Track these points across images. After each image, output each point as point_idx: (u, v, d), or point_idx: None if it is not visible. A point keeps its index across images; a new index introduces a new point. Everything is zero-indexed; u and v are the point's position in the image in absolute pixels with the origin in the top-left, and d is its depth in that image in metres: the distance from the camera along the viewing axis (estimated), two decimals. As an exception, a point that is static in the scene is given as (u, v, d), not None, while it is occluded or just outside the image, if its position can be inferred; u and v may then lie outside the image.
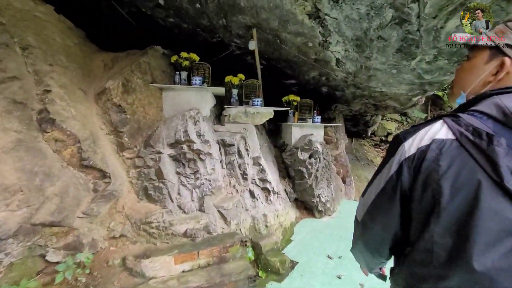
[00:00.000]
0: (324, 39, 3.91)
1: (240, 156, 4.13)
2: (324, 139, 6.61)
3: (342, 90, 6.46)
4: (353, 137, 11.68)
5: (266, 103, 5.22)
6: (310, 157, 4.94)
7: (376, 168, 0.83)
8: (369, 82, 5.09)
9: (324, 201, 5.04)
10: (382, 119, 12.69)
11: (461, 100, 0.76)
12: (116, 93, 3.28)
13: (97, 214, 2.78)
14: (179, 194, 3.37)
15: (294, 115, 5.37)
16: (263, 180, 4.24)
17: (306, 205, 5.21)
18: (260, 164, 4.24)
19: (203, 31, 4.82)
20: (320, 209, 5.00)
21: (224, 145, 4.20)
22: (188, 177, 3.56)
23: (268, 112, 4.40)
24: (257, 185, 4.16)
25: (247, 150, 4.27)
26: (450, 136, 0.62)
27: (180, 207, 3.25)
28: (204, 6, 4.04)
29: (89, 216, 2.70)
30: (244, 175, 4.08)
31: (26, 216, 2.22)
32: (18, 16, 2.91)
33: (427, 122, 0.70)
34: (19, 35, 2.82)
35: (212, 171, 3.72)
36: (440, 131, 0.64)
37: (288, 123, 5.19)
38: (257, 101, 4.32)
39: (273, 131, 6.30)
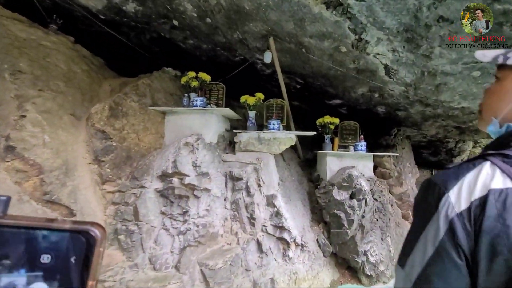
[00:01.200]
0: (357, 37, 2.87)
1: (249, 193, 3.23)
2: (380, 173, 5.11)
3: (404, 109, 5.01)
4: (433, 168, 9.31)
5: (307, 129, 4.25)
6: (351, 197, 3.64)
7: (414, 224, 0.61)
8: (439, 94, 3.63)
9: (374, 261, 3.57)
10: (474, 146, 9.87)
11: (493, 127, 0.66)
12: (100, 117, 2.92)
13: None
14: (156, 241, 2.65)
15: (332, 141, 4.22)
16: (279, 227, 3.18)
17: (349, 263, 3.81)
18: (275, 206, 3.23)
19: (222, 49, 4.35)
20: (369, 273, 3.54)
21: (232, 178, 3.39)
22: (174, 219, 2.84)
23: (288, 138, 3.44)
24: (269, 233, 3.14)
25: (259, 186, 3.34)
26: (510, 184, 0.51)
27: (150, 261, 2.51)
28: (213, 18, 3.55)
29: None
30: (252, 220, 3.13)
31: None
32: (16, 44, 2.90)
33: (468, 164, 0.57)
34: (10, 61, 2.77)
35: (206, 212, 2.91)
36: (494, 177, 0.53)
37: (322, 151, 4.07)
38: (274, 124, 3.43)
39: (312, 161, 5.19)
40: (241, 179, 3.31)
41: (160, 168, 2.99)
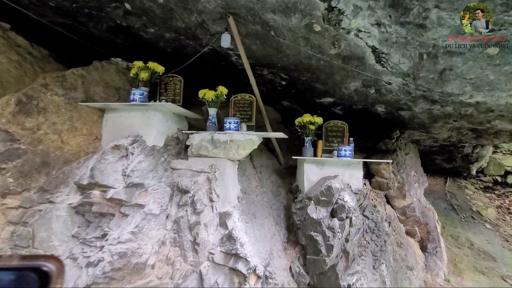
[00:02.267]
0: (327, 5, 2.16)
1: (195, 210, 2.54)
2: (377, 183, 4.31)
3: (408, 108, 4.23)
4: (448, 176, 8.35)
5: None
6: (332, 215, 2.89)
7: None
8: (445, 85, 2.84)
9: (361, 298, 2.78)
10: (494, 152, 8.82)
11: None
12: (2, 113, 2.32)
13: None
14: (53, 276, 1.99)
15: (315, 145, 3.49)
16: (233, 255, 2.47)
17: (332, 298, 3.03)
18: (227, 227, 2.52)
19: (186, 38, 3.72)
20: (354, 314, 2.75)
21: (180, 191, 2.71)
22: (88, 245, 2.19)
23: (247, 140, 2.74)
24: (217, 263, 2.43)
25: (212, 200, 2.65)
26: None
27: (36, 305, 1.86)
28: (162, -4, 2.94)
29: None
30: (195, 245, 2.43)
31: None
32: None
33: None
34: None
35: (131, 236, 2.24)
36: None
37: (300, 157, 3.34)
38: (230, 123, 2.74)
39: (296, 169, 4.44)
40: (187, 191, 2.64)
41: (80, 178, 2.36)
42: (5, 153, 2.32)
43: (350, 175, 3.20)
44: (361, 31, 2.40)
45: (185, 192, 2.67)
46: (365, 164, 4.51)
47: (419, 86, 3.20)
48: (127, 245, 2.20)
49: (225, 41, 2.83)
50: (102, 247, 2.17)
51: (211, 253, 2.44)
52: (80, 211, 2.28)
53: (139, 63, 3.11)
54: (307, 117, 3.37)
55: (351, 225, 2.89)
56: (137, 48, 4.24)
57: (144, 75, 3.12)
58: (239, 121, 2.84)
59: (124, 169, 2.45)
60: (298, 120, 3.48)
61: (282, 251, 3.13)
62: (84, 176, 2.29)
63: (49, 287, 0.31)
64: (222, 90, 3.19)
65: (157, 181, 2.66)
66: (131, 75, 3.22)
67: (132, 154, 2.56)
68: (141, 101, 2.71)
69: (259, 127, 3.76)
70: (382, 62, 2.94)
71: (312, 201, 2.95)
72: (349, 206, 2.84)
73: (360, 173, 3.26)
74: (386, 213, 3.80)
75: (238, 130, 2.78)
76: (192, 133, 2.88)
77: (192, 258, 2.40)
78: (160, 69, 3.21)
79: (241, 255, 2.46)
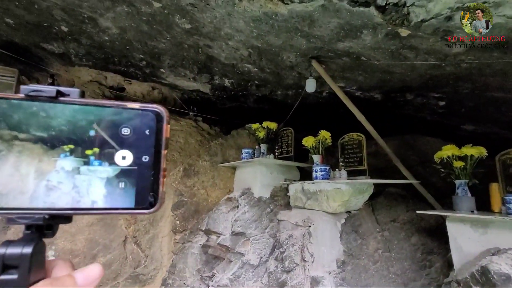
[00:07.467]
0: (376, 7, 1.58)
1: (283, 268, 2.40)
2: None
3: None
4: None
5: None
6: (509, 327, 1.55)
7: None
8: None
9: None
10: None
11: None
12: (176, 177, 3.63)
13: (117, 294, 3.00)
14: (179, 301, 2.64)
15: (480, 191, 2.17)
16: (321, 337, 2.00)
17: None
18: (313, 296, 2.12)
19: (304, 89, 4.03)
20: None
21: (280, 244, 2.72)
22: (203, 281, 2.72)
23: (335, 190, 2.27)
24: None
25: (304, 260, 2.39)
26: None
27: (164, 321, 2.50)
28: (263, 65, 3.52)
29: (110, 293, 3.00)
30: (281, 308, 2.25)
31: (69, 277, 3.04)
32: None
33: None
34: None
35: (227, 282, 2.52)
36: None
37: (449, 213, 2.19)
38: (317, 171, 2.45)
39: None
40: (281, 246, 2.57)
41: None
42: (176, 203, 3.54)
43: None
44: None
45: (280, 246, 2.61)
46: None
47: None
48: (223, 290, 2.47)
49: (310, 86, 2.75)
50: (208, 287, 2.59)
51: (295, 325, 2.12)
52: (204, 251, 2.91)
53: (255, 125, 3.68)
54: (448, 150, 2.24)
55: None
56: (274, 108, 4.99)
57: (261, 134, 3.63)
58: (327, 168, 2.46)
59: (232, 218, 2.87)
60: (437, 156, 2.38)
61: None
62: (204, 222, 2.95)
63: (163, 124, 0.37)
64: (324, 134, 2.97)
65: (260, 231, 2.82)
66: (256, 136, 3.84)
67: (240, 205, 2.96)
68: (247, 158, 3.16)
69: (394, 172, 2.94)
70: None
71: (461, 286, 1.78)
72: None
73: None
74: None
75: (328, 178, 2.41)
76: (289, 183, 2.86)
77: (276, 323, 2.22)
78: (272, 125, 3.60)
79: None
